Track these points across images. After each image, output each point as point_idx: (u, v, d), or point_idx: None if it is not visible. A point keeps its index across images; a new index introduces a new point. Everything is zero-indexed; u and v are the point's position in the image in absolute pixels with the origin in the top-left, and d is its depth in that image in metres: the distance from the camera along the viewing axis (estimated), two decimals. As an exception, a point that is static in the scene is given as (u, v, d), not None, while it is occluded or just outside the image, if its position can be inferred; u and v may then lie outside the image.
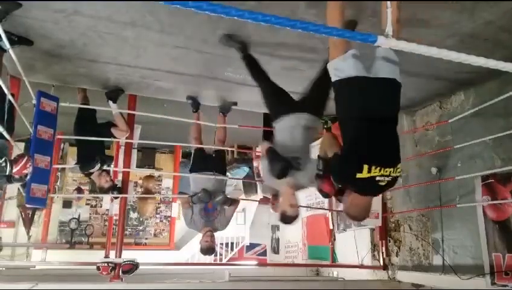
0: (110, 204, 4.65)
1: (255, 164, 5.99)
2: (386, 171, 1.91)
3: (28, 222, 6.78)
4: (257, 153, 6.88)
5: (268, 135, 4.94)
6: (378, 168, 1.89)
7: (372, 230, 5.15)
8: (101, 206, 7.69)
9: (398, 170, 1.96)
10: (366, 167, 1.88)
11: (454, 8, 2.55)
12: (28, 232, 6.81)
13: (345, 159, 2.04)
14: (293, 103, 2.92)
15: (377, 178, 1.91)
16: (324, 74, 2.67)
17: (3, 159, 2.20)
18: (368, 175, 1.89)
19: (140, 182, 8.08)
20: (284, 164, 2.52)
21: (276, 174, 2.54)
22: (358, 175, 1.89)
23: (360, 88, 2.00)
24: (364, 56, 1.99)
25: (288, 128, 2.78)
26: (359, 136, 1.98)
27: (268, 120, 5.00)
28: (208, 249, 3.76)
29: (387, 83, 2.00)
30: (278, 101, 2.94)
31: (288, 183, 2.64)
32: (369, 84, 1.99)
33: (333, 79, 2.06)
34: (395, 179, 1.97)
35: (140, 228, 8.01)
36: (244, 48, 3.05)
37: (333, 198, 6.02)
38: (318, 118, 2.94)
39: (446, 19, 2.67)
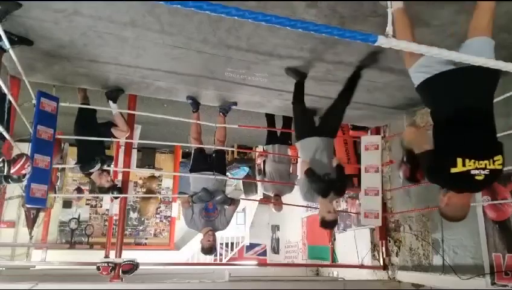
0: (110, 204, 4.65)
1: (258, 160, 5.96)
2: (481, 164, 1.84)
3: (32, 222, 6.78)
4: (257, 153, 6.88)
5: (271, 136, 4.98)
6: (473, 160, 1.84)
7: (372, 230, 5.15)
8: (101, 206, 7.70)
9: (498, 162, 1.87)
10: (460, 160, 1.84)
11: (454, 8, 2.55)
12: (30, 232, 6.81)
13: (438, 155, 1.96)
14: (314, 126, 3.53)
15: (472, 172, 1.84)
16: (339, 100, 3.43)
17: (1, 159, 2.19)
18: (463, 169, 1.84)
19: (140, 182, 8.09)
20: (326, 185, 3.12)
21: (322, 193, 3.13)
22: (453, 170, 1.85)
23: (448, 81, 1.98)
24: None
25: (313, 149, 3.33)
26: (451, 130, 1.95)
27: (271, 120, 5.04)
28: (210, 248, 3.76)
29: (475, 72, 1.84)
30: (304, 123, 3.53)
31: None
32: (457, 75, 1.95)
33: (418, 81, 2.06)
34: (494, 172, 1.87)
35: (140, 228, 8.01)
36: (302, 78, 3.56)
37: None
38: (332, 139, 3.53)
39: (446, 19, 2.67)
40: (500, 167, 1.88)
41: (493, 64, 1.47)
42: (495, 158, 1.87)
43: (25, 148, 3.24)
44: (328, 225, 3.16)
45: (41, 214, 6.97)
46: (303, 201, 3.75)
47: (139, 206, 8.06)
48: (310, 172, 3.16)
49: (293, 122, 3.79)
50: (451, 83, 1.98)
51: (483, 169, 1.84)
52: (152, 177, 7.83)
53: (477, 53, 1.75)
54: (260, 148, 6.28)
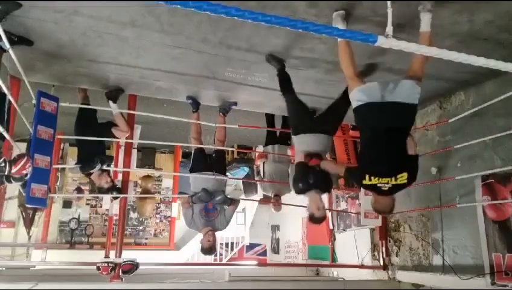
0: (110, 204, 4.64)
1: (257, 162, 5.98)
2: (384, 181, 2.38)
3: (29, 222, 6.78)
4: (257, 154, 6.88)
5: (271, 137, 4.98)
6: (377, 178, 2.38)
7: (372, 230, 5.15)
8: (101, 206, 7.69)
9: (401, 179, 2.38)
10: (367, 176, 2.40)
11: (454, 8, 2.55)
12: (28, 232, 6.81)
13: (357, 169, 2.56)
14: (311, 122, 3.38)
15: (378, 185, 2.40)
16: (341, 100, 3.32)
17: (2, 159, 2.20)
18: (370, 183, 2.41)
19: (139, 182, 8.08)
20: (310, 182, 3.10)
21: (300, 189, 3.13)
22: (364, 182, 2.44)
23: (370, 112, 2.46)
24: (375, 87, 2.45)
25: (307, 145, 3.25)
26: (366, 152, 2.55)
27: (271, 121, 5.04)
28: (210, 248, 3.76)
29: (395, 106, 2.40)
30: (299, 119, 3.40)
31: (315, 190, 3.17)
32: (378, 108, 2.43)
33: (353, 106, 2.52)
34: (397, 186, 2.41)
35: (140, 228, 8.01)
36: (282, 65, 3.39)
37: (333, 198, 6.04)
38: (331, 137, 3.44)
39: (446, 19, 2.67)
40: (404, 182, 2.40)
41: (493, 65, 1.47)
42: (398, 176, 2.38)
43: (25, 148, 3.25)
44: (317, 221, 3.19)
45: (40, 214, 6.97)
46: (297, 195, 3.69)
47: (137, 206, 8.06)
48: (300, 166, 3.15)
49: (288, 115, 3.67)
50: (368, 113, 2.48)
51: (387, 183, 2.39)
52: (147, 177, 7.80)
53: (406, 91, 2.40)
54: (260, 148, 6.28)
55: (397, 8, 2.02)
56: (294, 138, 3.37)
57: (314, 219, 3.18)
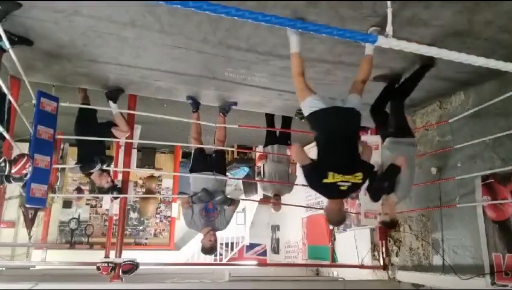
0: (110, 204, 4.64)
1: (258, 164, 5.97)
2: (346, 178, 2.47)
3: (30, 222, 6.78)
4: (258, 155, 6.87)
5: (271, 137, 4.98)
6: (340, 175, 2.45)
7: (372, 230, 5.15)
8: (101, 206, 7.69)
9: (358, 178, 2.50)
10: (331, 174, 2.46)
11: (454, 8, 2.55)
12: (29, 233, 6.80)
13: (317, 168, 2.58)
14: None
15: (338, 183, 2.47)
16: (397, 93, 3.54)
17: (2, 159, 2.20)
18: (333, 181, 2.46)
19: (140, 182, 8.08)
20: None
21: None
22: (325, 181, 2.47)
23: (327, 115, 2.61)
24: (326, 98, 2.70)
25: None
26: (326, 151, 2.62)
27: (271, 121, 5.04)
28: (210, 248, 3.76)
29: (348, 110, 2.63)
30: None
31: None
32: (335, 111, 2.62)
33: (307, 113, 2.66)
34: (355, 185, 2.52)
35: (140, 228, 8.01)
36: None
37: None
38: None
39: (446, 19, 2.67)
40: (360, 181, 2.53)
41: (493, 65, 1.47)
42: (356, 174, 2.50)
43: (25, 148, 3.25)
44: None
45: (41, 214, 6.97)
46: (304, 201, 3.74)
47: (139, 206, 8.06)
48: (394, 169, 3.20)
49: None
50: (326, 117, 2.62)
51: (347, 182, 2.48)
52: (151, 177, 7.82)
53: (353, 101, 2.65)
54: (260, 149, 6.28)
55: (397, 8, 2.03)
56: (396, 140, 3.43)
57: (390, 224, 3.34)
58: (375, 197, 3.29)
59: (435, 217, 4.23)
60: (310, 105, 2.64)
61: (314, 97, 2.64)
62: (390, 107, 3.56)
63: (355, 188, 2.57)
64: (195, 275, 4.69)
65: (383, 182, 3.21)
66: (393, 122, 3.50)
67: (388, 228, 3.58)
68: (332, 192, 2.60)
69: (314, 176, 2.58)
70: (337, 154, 2.59)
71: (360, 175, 2.51)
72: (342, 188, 2.49)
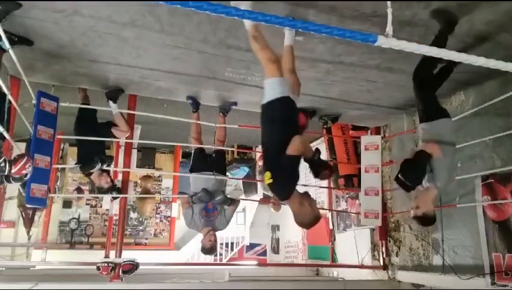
0: (110, 204, 4.64)
1: (259, 163, 5.98)
2: (264, 179, 2.27)
3: (28, 222, 6.78)
4: (259, 154, 6.87)
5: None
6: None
7: (372, 230, 5.15)
8: (101, 206, 7.69)
9: (266, 178, 2.25)
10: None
11: (454, 8, 2.54)
12: (28, 232, 6.80)
13: None
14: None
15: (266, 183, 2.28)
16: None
17: (2, 159, 2.20)
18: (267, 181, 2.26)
19: (139, 182, 8.08)
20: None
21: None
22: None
23: (291, 105, 2.43)
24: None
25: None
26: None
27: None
28: (211, 248, 3.76)
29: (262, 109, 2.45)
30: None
31: None
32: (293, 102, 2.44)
33: (280, 95, 2.36)
34: (269, 185, 2.26)
35: (140, 228, 8.01)
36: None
37: (333, 198, 6.04)
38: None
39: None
40: (268, 181, 2.23)
41: (493, 65, 1.47)
42: (265, 175, 2.26)
43: (25, 148, 3.25)
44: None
45: (39, 214, 6.97)
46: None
47: (137, 206, 8.06)
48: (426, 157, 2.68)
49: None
50: (291, 107, 2.43)
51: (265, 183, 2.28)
52: (147, 177, 7.80)
53: (266, 95, 2.40)
54: (260, 148, 6.28)
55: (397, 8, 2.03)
56: (434, 123, 2.87)
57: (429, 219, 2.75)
58: (406, 188, 2.71)
59: (435, 217, 4.23)
60: (280, 86, 2.44)
61: (283, 79, 2.46)
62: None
63: (272, 188, 2.32)
64: (195, 275, 4.69)
65: (408, 172, 2.67)
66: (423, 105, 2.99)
67: (422, 225, 3.02)
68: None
69: None
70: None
71: (267, 174, 2.25)
72: (270, 188, 2.32)
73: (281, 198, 2.40)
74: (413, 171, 2.67)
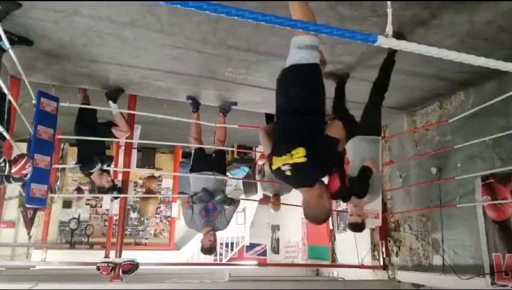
0: (110, 204, 4.65)
1: (259, 162, 5.96)
2: (283, 160, 1.90)
3: (29, 222, 6.78)
4: (259, 154, 6.87)
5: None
6: (277, 158, 1.94)
7: (372, 230, 5.15)
8: (101, 206, 7.69)
9: (297, 155, 1.85)
10: (274, 158, 1.97)
11: (454, 8, 2.55)
12: (28, 233, 6.81)
13: (269, 156, 2.12)
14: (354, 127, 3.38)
15: (282, 168, 1.92)
16: (371, 95, 3.31)
17: (2, 159, 2.20)
18: (276, 166, 1.95)
19: (140, 182, 8.08)
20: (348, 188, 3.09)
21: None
22: (272, 167, 2.00)
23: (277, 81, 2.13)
24: None
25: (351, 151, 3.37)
26: (274, 132, 2.13)
27: (271, 121, 5.03)
28: (211, 248, 3.76)
29: (284, 73, 2.05)
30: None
31: None
32: (279, 76, 2.09)
33: (315, 60, 2.05)
34: (296, 166, 1.87)
35: (140, 228, 8.01)
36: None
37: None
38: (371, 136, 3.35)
39: (446, 19, 2.67)
40: (301, 160, 1.84)
41: (493, 65, 1.47)
42: (293, 152, 1.86)
43: (25, 148, 3.25)
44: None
45: (40, 214, 6.97)
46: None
47: (139, 206, 8.06)
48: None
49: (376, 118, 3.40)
50: (277, 82, 2.11)
51: (286, 165, 1.89)
52: (151, 177, 7.82)
53: (294, 58, 1.99)
54: (260, 148, 6.28)
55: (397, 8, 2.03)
56: (378, 139, 3.31)
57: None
58: (344, 199, 3.19)
59: (435, 217, 4.23)
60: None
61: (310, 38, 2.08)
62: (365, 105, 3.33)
63: (300, 171, 1.90)
64: (195, 275, 4.69)
65: (357, 186, 3.01)
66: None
67: (358, 231, 3.44)
68: (284, 181, 2.02)
69: (270, 166, 2.07)
70: (276, 132, 2.09)
71: (300, 152, 1.85)
72: (287, 173, 1.91)
73: (304, 183, 2.01)
74: (362, 186, 3.02)
